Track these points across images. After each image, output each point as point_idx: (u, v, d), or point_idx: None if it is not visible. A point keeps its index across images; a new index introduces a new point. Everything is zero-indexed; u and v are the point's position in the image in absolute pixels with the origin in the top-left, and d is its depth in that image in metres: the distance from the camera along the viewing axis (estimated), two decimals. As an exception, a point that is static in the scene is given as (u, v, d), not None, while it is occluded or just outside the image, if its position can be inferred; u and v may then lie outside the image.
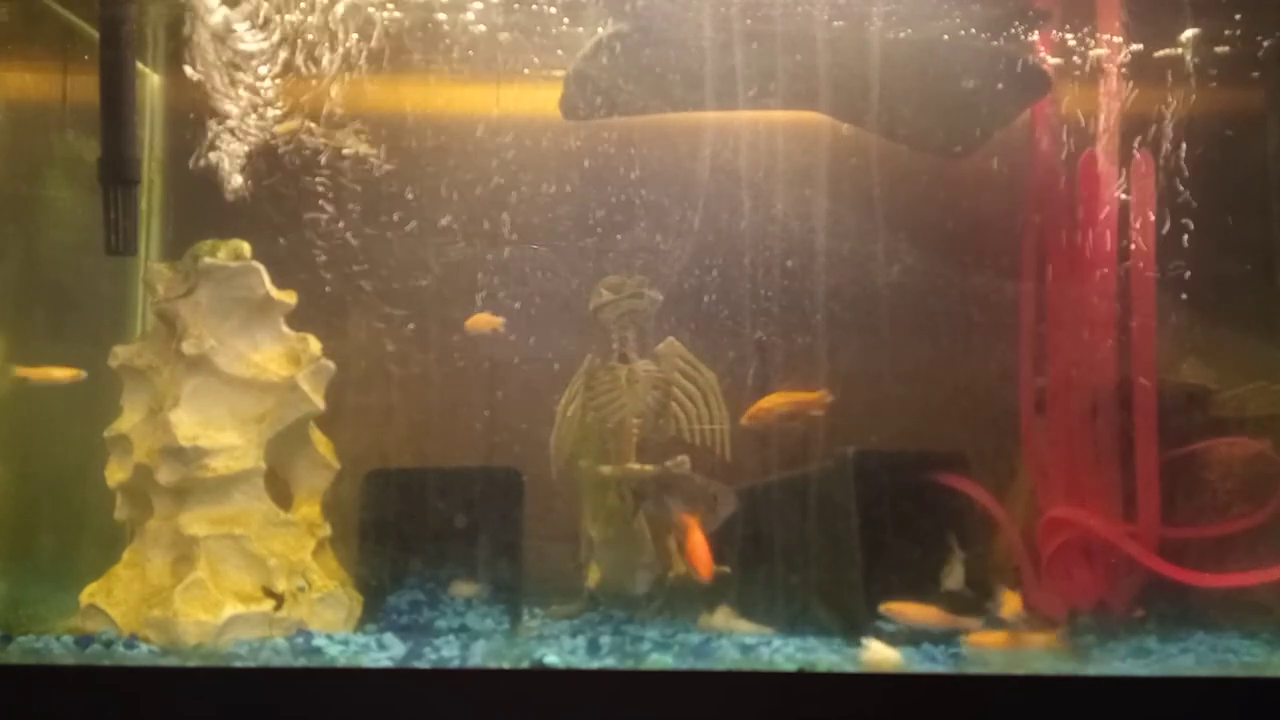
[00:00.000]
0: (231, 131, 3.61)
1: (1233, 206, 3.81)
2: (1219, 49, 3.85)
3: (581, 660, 3.17)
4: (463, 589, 3.62)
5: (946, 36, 3.80)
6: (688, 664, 3.16)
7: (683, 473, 3.63)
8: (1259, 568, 3.47)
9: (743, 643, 3.30)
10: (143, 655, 3.21)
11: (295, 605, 3.45)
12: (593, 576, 3.79)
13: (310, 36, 3.62)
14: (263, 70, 3.60)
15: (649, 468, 3.75)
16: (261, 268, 3.58)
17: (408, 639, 3.33)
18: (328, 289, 3.96)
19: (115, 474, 3.57)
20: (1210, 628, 3.45)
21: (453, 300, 4.00)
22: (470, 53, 3.91)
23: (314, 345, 3.64)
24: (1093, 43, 3.84)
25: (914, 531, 3.49)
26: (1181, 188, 3.73)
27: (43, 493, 3.91)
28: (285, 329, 3.64)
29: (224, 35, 3.49)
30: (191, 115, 3.65)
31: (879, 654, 3.12)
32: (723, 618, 3.45)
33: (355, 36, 3.67)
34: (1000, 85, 3.82)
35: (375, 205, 3.99)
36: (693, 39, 3.74)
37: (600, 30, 3.77)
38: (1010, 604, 3.33)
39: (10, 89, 4.10)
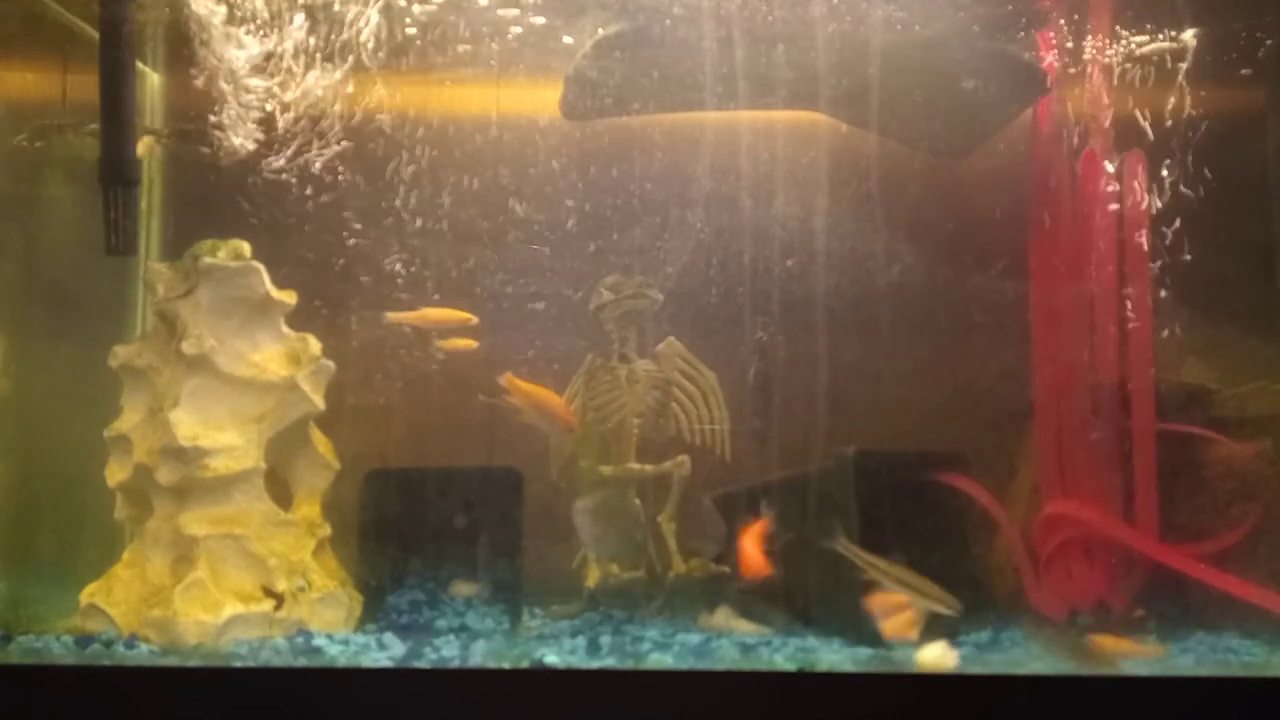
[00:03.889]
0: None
1: (1233, 206, 3.81)
2: (1219, 49, 3.85)
3: (581, 660, 3.17)
4: (463, 589, 3.62)
5: (947, 37, 3.80)
6: (688, 664, 3.16)
7: (700, 506, 3.66)
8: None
9: (743, 643, 3.30)
10: (143, 655, 3.21)
11: (295, 605, 3.45)
12: (592, 576, 3.80)
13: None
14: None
15: (649, 468, 3.76)
16: (261, 267, 3.59)
17: (408, 639, 3.33)
18: (324, 288, 3.96)
19: (115, 474, 3.57)
20: (1210, 628, 3.45)
21: (453, 299, 3.99)
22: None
23: (314, 345, 3.64)
24: (1091, 43, 3.84)
25: (914, 532, 3.49)
26: (1182, 187, 3.74)
27: (43, 493, 3.91)
28: (285, 329, 3.64)
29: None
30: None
31: (932, 654, 3.12)
32: (723, 618, 3.45)
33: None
34: (1000, 85, 3.82)
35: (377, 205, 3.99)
36: (693, 39, 3.74)
37: (600, 30, 3.77)
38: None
39: (10, 88, 4.10)
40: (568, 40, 3.86)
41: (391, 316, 3.81)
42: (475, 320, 3.78)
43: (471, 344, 3.78)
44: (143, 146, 3.67)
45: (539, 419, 3.68)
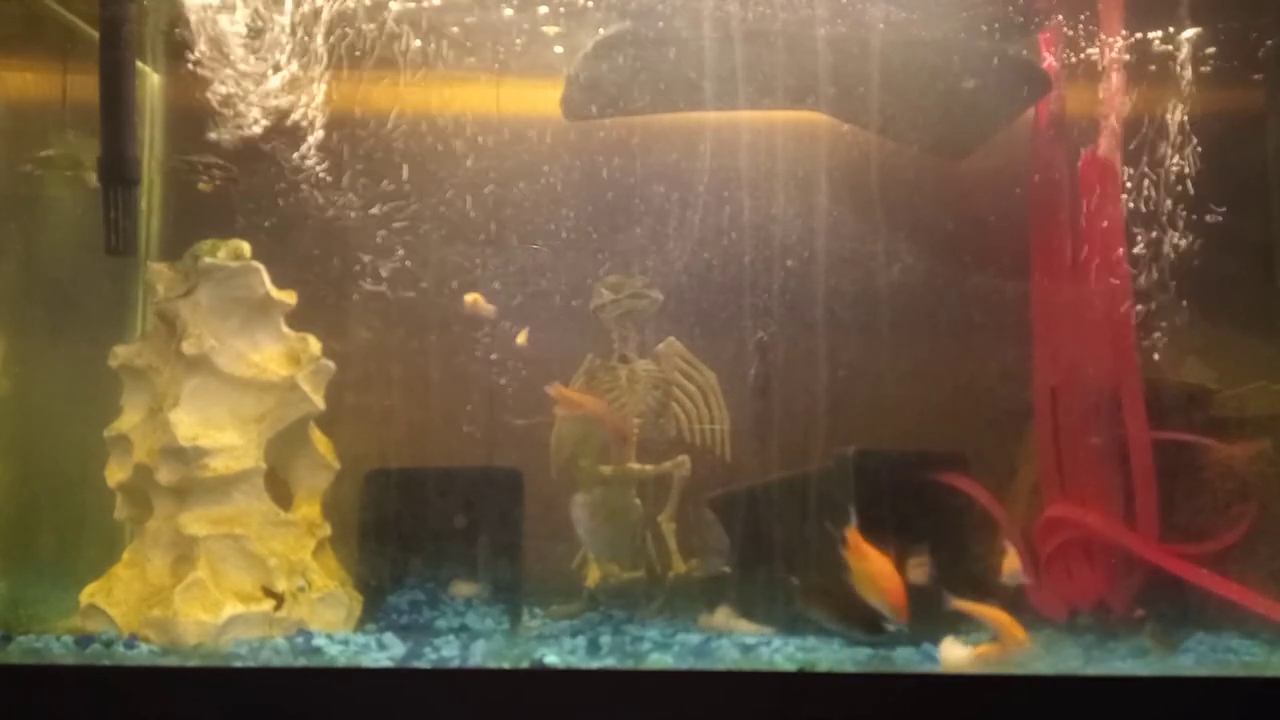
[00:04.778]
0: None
1: (1233, 206, 3.81)
2: (1219, 48, 3.85)
3: (581, 660, 3.17)
4: (463, 589, 3.62)
5: (948, 37, 3.80)
6: (688, 664, 3.16)
7: (702, 518, 3.66)
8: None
9: (743, 643, 3.30)
10: (143, 655, 3.21)
11: (295, 605, 3.45)
12: (592, 576, 3.80)
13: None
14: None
15: (649, 468, 3.76)
16: (261, 267, 3.59)
17: (408, 639, 3.33)
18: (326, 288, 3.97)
19: (115, 474, 3.57)
20: (1210, 628, 3.45)
21: (454, 299, 4.00)
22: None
23: (314, 345, 3.64)
24: (1093, 42, 3.84)
25: (914, 532, 3.49)
26: (1182, 187, 3.74)
27: (43, 493, 3.91)
28: (285, 329, 3.64)
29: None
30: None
31: (953, 652, 3.12)
32: (723, 618, 3.45)
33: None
34: (1000, 85, 3.82)
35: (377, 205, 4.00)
36: (693, 39, 3.74)
37: (601, 30, 3.77)
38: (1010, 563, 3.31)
39: (10, 88, 4.10)
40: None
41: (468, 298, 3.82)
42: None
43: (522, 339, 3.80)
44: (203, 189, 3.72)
45: (584, 427, 3.69)
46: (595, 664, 3.17)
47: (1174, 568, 3.51)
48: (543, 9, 3.81)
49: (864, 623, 3.22)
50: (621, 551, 3.76)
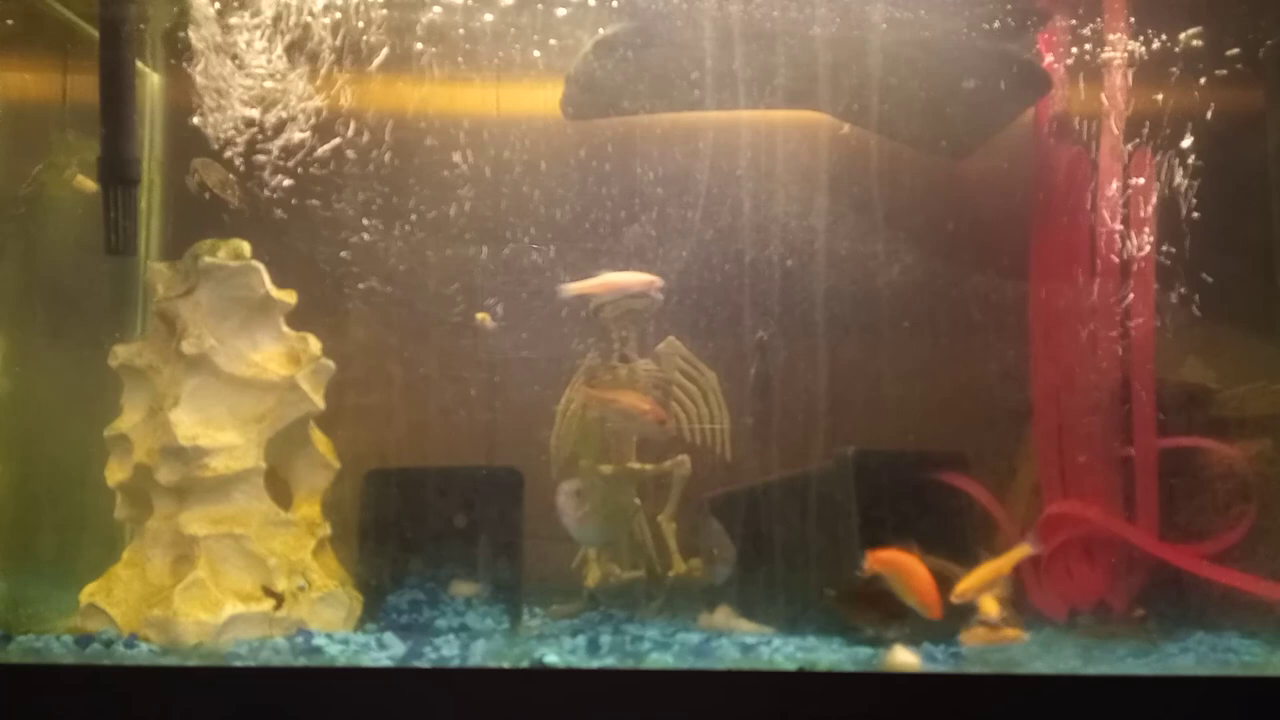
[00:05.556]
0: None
1: (1233, 206, 3.81)
2: (1219, 49, 3.85)
3: (581, 660, 3.17)
4: (463, 589, 3.62)
5: (949, 36, 3.80)
6: (688, 664, 3.16)
7: (705, 523, 3.65)
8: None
9: (743, 643, 3.30)
10: (143, 655, 3.21)
11: (295, 605, 3.45)
12: (593, 576, 3.80)
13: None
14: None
15: (649, 467, 3.76)
16: (261, 267, 3.59)
17: (408, 638, 3.33)
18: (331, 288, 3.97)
19: (115, 474, 3.58)
20: (1210, 628, 3.45)
21: (453, 300, 4.00)
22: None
23: (314, 345, 3.64)
24: (1094, 42, 3.85)
25: (914, 532, 3.49)
26: (1182, 187, 3.74)
27: (43, 493, 3.91)
28: (285, 328, 3.64)
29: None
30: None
31: (900, 658, 3.12)
32: (723, 617, 3.45)
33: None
34: (1001, 85, 3.82)
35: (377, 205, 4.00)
36: (693, 39, 3.74)
37: (601, 30, 3.77)
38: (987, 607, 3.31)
39: (10, 88, 4.10)
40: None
41: (570, 288, 3.69)
42: (660, 281, 3.68)
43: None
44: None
45: (624, 421, 3.68)
46: (595, 664, 3.16)
47: (1177, 560, 3.51)
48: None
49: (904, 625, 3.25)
50: (608, 541, 3.75)
